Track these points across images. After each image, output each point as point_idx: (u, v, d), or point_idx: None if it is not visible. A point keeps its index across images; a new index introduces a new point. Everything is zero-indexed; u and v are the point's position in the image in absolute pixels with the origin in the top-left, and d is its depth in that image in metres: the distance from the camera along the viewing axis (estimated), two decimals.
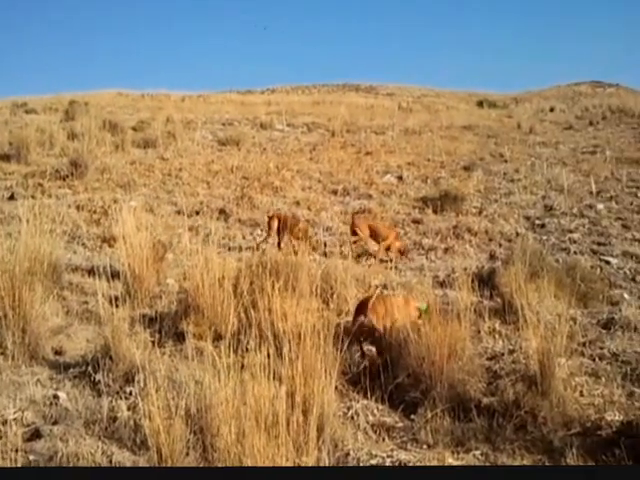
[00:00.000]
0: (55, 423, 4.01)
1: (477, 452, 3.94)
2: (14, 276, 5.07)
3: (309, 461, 3.39)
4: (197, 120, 20.44)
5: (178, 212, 9.79)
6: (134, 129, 18.27)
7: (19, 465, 3.28)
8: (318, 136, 18.11)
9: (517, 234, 9.17)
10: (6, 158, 13.98)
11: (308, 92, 45.35)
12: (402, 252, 8.06)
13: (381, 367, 4.69)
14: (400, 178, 12.53)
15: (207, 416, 3.70)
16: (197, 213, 9.76)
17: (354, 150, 15.43)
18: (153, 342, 5.10)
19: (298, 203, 10.62)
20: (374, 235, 8.10)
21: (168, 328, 5.39)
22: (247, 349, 4.31)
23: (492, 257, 8.06)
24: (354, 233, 8.15)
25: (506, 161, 14.88)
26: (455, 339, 4.59)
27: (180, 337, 5.26)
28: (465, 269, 6.71)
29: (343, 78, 51.77)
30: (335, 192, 11.43)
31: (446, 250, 8.38)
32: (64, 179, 11.94)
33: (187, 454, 3.53)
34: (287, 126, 19.89)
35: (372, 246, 8.24)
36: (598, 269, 7.56)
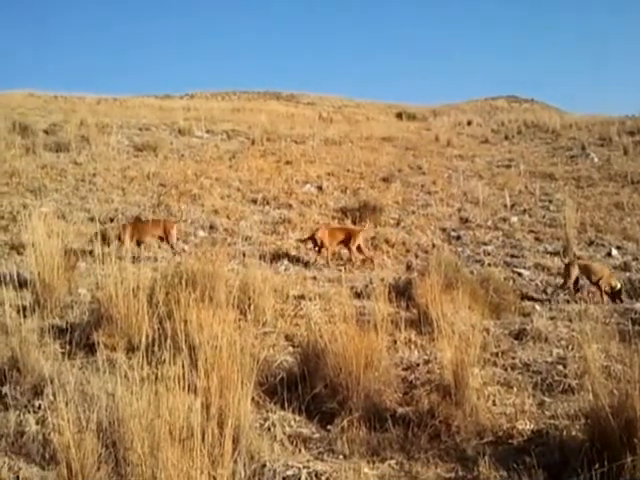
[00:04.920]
0: None
1: (392, 462, 3.98)
2: None
3: (225, 473, 3.34)
4: (113, 124, 19.90)
5: (91, 219, 9.50)
6: (46, 132, 17.63)
7: None
8: (238, 144, 18.00)
9: (433, 245, 9.40)
10: None
11: (228, 98, 45.07)
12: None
13: (298, 378, 4.69)
14: (320, 188, 12.62)
15: (120, 429, 3.59)
16: (111, 220, 9.51)
17: (274, 159, 15.42)
18: (63, 353, 4.90)
19: (217, 212, 10.51)
20: (343, 240, 8.48)
21: (79, 339, 5.19)
22: (162, 360, 4.21)
23: (409, 268, 8.21)
24: (316, 244, 8.43)
25: (424, 173, 15.23)
26: (372, 349, 4.63)
27: (92, 348, 5.09)
28: (382, 280, 6.80)
29: (264, 86, 51.72)
30: (255, 201, 11.39)
31: (364, 261, 8.48)
32: None
33: (98, 468, 3.41)
34: (206, 133, 19.66)
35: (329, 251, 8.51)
36: (511, 281, 7.83)
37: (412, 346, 5.66)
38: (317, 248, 8.44)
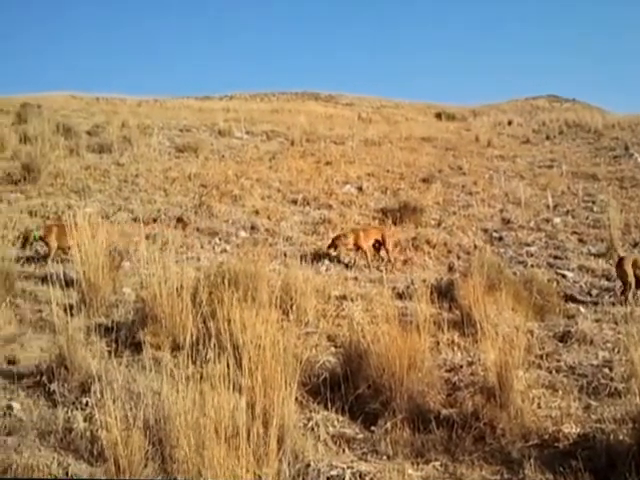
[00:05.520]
0: (9, 434, 3.92)
1: (436, 463, 3.96)
2: None
3: (270, 472, 3.37)
4: (154, 125, 20.17)
5: (135, 219, 9.63)
6: (89, 133, 17.93)
7: None
8: (277, 145, 18.05)
9: (475, 247, 9.29)
10: None
11: (267, 100, 45.26)
12: (397, 245, 8.71)
13: (341, 378, 4.69)
14: (360, 189, 12.59)
15: (166, 427, 3.64)
16: (154, 221, 9.62)
17: (314, 159, 15.43)
18: (109, 352, 5.00)
19: (257, 212, 10.56)
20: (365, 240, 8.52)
21: (125, 338, 5.29)
22: (207, 360, 4.25)
23: (450, 269, 8.14)
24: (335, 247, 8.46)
25: (464, 173, 15.06)
26: (415, 351, 4.62)
27: (137, 347, 5.18)
28: (424, 281, 6.77)
29: (302, 86, 51.81)
30: (295, 202, 11.41)
31: (405, 262, 8.44)
32: (16, 183, 11.68)
33: (145, 465, 3.47)
34: (246, 134, 19.77)
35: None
36: (555, 282, 7.70)
37: (455, 348, 5.62)
38: (354, 249, 8.53)
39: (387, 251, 8.56)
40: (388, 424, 4.24)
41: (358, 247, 8.50)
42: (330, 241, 8.53)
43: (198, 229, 9.54)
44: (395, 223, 10.13)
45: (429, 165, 15.59)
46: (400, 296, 6.86)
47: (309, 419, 4.35)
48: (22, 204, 10.39)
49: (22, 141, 15.42)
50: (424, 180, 13.88)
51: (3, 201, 10.51)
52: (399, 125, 25.41)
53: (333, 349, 5.44)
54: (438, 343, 5.61)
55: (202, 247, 8.74)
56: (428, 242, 9.20)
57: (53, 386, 4.42)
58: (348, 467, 3.80)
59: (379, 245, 8.64)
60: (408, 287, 7.03)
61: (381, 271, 7.99)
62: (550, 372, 5.21)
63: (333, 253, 8.39)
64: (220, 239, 9.09)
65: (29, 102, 25.15)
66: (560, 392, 4.84)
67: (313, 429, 4.25)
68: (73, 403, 4.28)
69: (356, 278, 7.55)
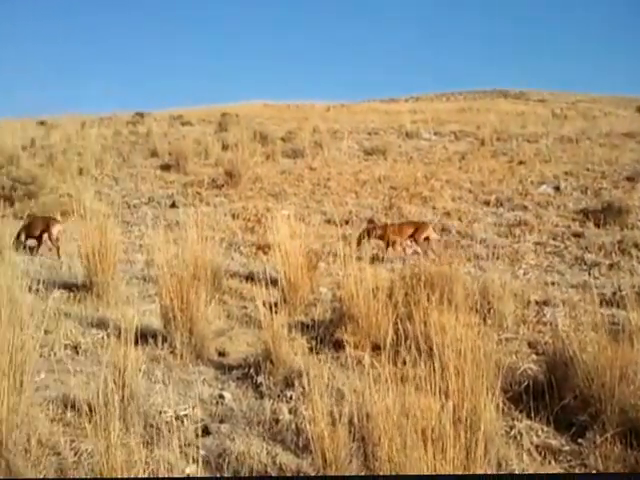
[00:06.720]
0: (222, 422, 4.17)
1: None
2: (182, 280, 5.36)
3: None
4: (343, 130, 20.73)
5: (328, 221, 9.97)
6: (282, 139, 18.86)
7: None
8: (467, 145, 17.74)
9: None
10: (167, 168, 15.02)
11: (454, 99, 44.61)
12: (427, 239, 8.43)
13: (545, 386, 4.48)
14: (557, 189, 11.96)
15: (368, 425, 3.70)
16: (346, 222, 9.85)
17: (506, 159, 14.95)
18: (310, 349, 5.20)
19: (448, 214, 10.42)
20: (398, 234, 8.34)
21: (324, 335, 5.46)
22: (406, 361, 4.27)
23: None
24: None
25: None
26: (627, 361, 4.29)
27: (335, 345, 5.33)
28: (633, 287, 6.29)
29: (490, 84, 50.31)
30: (487, 203, 11.11)
31: (611, 266, 7.89)
32: (220, 188, 12.61)
33: (350, 461, 3.55)
34: (434, 135, 19.67)
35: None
36: None
37: None
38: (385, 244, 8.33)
39: (417, 244, 8.35)
40: (597, 437, 3.99)
41: (388, 241, 8.21)
42: (357, 236, 8.28)
43: None
44: (598, 225, 9.47)
45: (633, 162, 14.43)
46: (607, 303, 6.40)
47: (511, 427, 4.20)
48: (226, 207, 11.19)
49: (223, 148, 16.60)
50: (628, 179, 12.86)
51: (209, 204, 11.36)
52: (597, 120, 23.84)
53: (534, 356, 5.22)
54: None
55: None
56: (636, 245, 8.51)
57: (260, 378, 4.66)
58: None
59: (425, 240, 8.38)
60: (615, 293, 6.56)
61: (585, 275, 7.53)
62: None
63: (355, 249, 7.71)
64: (411, 241, 9.09)
65: (228, 112, 27.00)
66: None
67: (516, 437, 4.11)
68: (278, 396, 4.48)
69: (555, 283, 7.17)
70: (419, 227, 8.49)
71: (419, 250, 8.34)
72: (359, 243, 8.10)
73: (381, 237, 8.33)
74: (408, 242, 8.45)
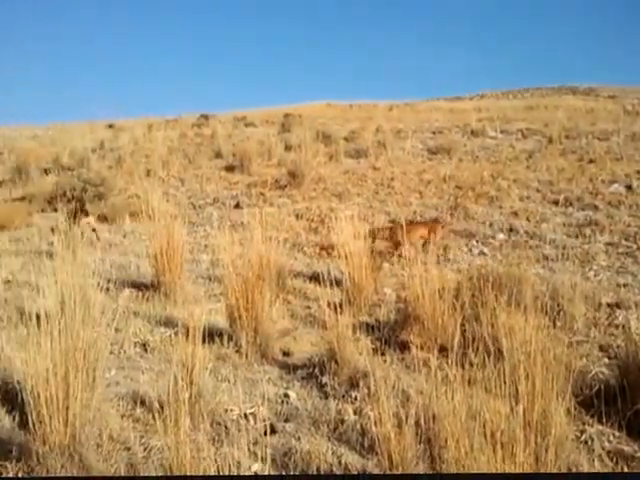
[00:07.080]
0: (287, 420, 4.19)
1: None
2: (247, 280, 5.40)
3: None
4: (406, 129, 20.57)
5: (392, 222, 9.89)
6: (345, 139, 18.83)
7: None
8: (534, 143, 17.31)
9: None
10: (231, 169, 15.23)
11: (520, 96, 43.68)
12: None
13: (617, 391, 4.33)
14: (629, 188, 11.52)
15: (434, 427, 3.65)
16: (411, 223, 9.75)
17: (575, 157, 14.52)
18: (374, 349, 5.19)
19: (516, 213, 10.19)
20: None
21: (388, 336, 5.43)
22: (473, 363, 4.19)
23: None
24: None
25: None
26: None
27: (400, 346, 5.28)
28: None
29: (558, 81, 49.06)
30: (556, 202, 10.79)
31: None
32: (283, 189, 12.68)
33: (417, 463, 3.51)
34: (500, 133, 19.28)
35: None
36: None
37: None
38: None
39: (428, 244, 8.06)
40: None
41: (397, 242, 7.91)
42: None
43: (454, 231, 9.49)
44: None
45: None
46: None
47: (582, 432, 4.08)
48: (289, 208, 11.24)
49: (286, 149, 16.72)
50: None
51: (273, 205, 11.46)
52: None
53: (606, 360, 5.04)
54: None
55: (459, 249, 8.68)
56: None
57: (324, 379, 4.66)
58: None
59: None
60: None
61: None
62: None
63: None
64: (477, 241, 8.94)
65: (291, 113, 27.21)
66: None
67: (587, 442, 3.99)
68: (343, 396, 4.46)
69: (627, 285, 6.92)
70: (431, 228, 8.37)
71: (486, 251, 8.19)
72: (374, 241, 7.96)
73: (389, 238, 8.19)
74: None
